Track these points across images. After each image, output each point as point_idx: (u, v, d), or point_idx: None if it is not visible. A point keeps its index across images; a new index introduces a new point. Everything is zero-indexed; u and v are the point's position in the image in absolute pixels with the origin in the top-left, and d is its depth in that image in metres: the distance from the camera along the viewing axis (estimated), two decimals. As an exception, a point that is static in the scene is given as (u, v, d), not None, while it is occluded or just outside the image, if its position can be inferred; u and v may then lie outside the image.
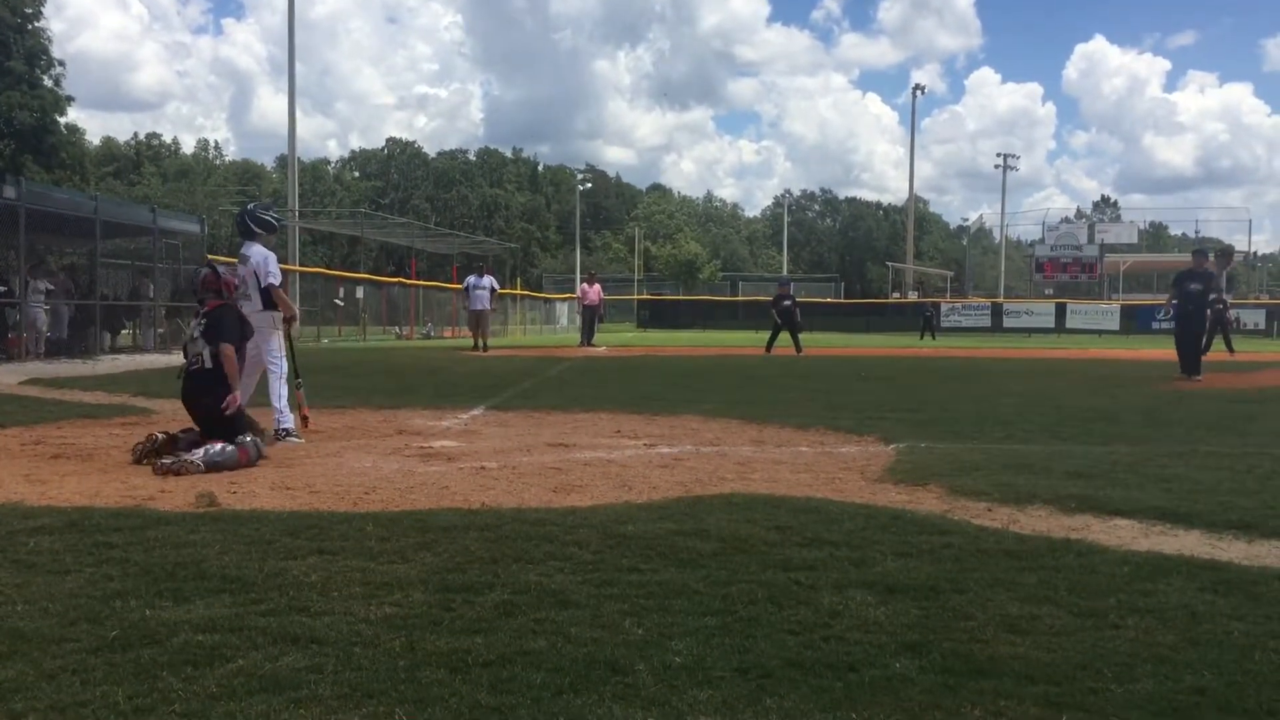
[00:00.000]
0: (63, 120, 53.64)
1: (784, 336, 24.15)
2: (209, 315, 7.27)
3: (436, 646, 3.08)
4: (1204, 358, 15.70)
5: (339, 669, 2.91)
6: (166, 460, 6.43)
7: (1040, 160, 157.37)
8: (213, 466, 6.41)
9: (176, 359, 18.91)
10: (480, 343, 24.26)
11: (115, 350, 20.74)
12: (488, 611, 3.43)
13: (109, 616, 3.34)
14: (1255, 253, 74.33)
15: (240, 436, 6.85)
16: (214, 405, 6.98)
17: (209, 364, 7.12)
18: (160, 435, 6.81)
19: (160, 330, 23.19)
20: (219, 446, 6.62)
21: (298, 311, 8.14)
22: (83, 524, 4.64)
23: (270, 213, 8.68)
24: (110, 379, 14.14)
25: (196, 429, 6.98)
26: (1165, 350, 27.90)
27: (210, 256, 20.66)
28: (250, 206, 8.68)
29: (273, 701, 2.69)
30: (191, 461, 6.36)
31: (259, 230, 8.30)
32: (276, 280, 8.21)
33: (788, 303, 24.52)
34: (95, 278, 21.07)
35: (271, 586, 3.68)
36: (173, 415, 9.38)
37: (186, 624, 3.25)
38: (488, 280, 25.06)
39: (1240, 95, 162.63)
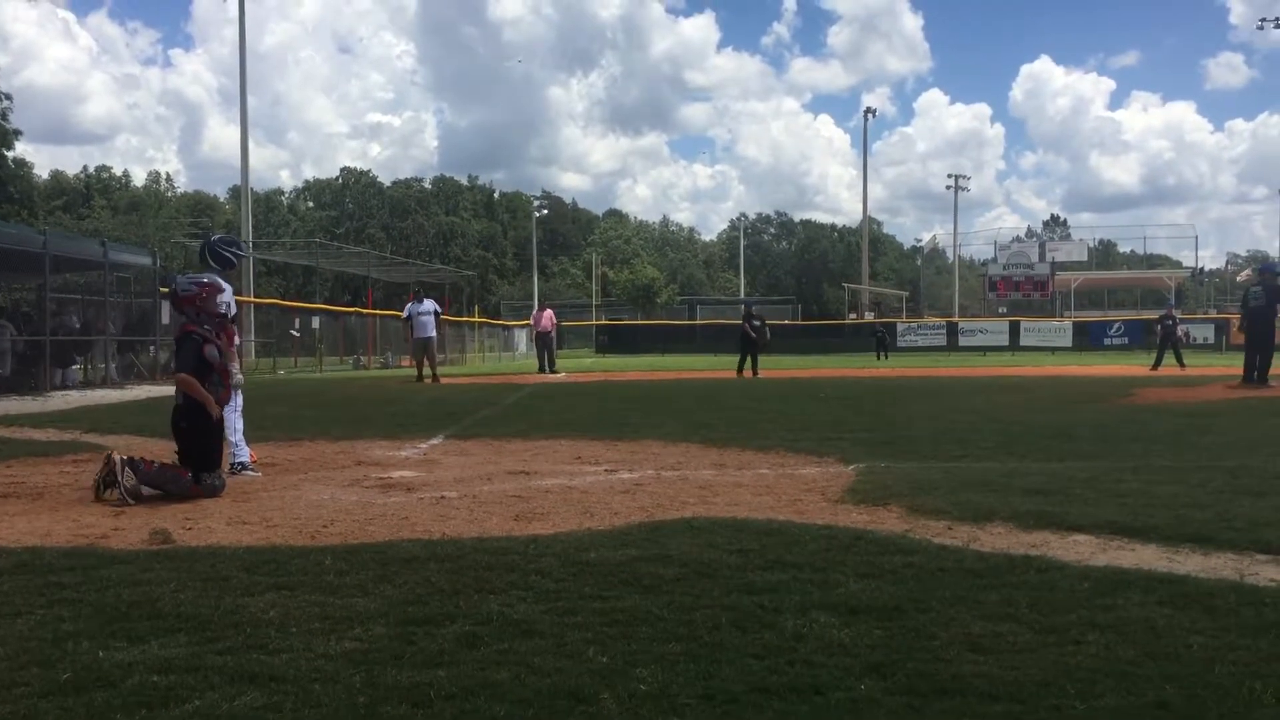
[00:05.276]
0: (10, 154, 53.15)
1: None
2: (177, 341, 7.27)
3: (398, 681, 3.04)
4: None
5: (298, 707, 2.86)
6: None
7: (990, 180, 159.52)
8: (149, 483, 6.41)
9: (129, 394, 18.75)
10: (429, 373, 22.38)
11: (66, 386, 20.36)
12: (450, 644, 3.39)
13: (61, 659, 3.26)
14: (1202, 268, 75.90)
15: (206, 475, 6.77)
16: (187, 432, 6.96)
17: (178, 398, 7.09)
18: (118, 458, 6.66)
19: (113, 365, 22.81)
20: (171, 472, 6.62)
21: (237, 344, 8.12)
22: (33, 564, 4.54)
23: (232, 249, 8.48)
24: (61, 415, 13.89)
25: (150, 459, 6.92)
26: (1117, 366, 28.52)
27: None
28: (214, 239, 8.58)
29: (231, 742, 2.64)
30: (122, 484, 6.35)
31: (215, 265, 8.18)
32: (231, 313, 8.13)
33: (758, 323, 24.86)
34: (45, 313, 20.71)
35: (228, 624, 3.62)
36: (125, 451, 9.23)
37: (141, 665, 3.19)
38: (429, 304, 23.38)
39: (1183, 113, 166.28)
